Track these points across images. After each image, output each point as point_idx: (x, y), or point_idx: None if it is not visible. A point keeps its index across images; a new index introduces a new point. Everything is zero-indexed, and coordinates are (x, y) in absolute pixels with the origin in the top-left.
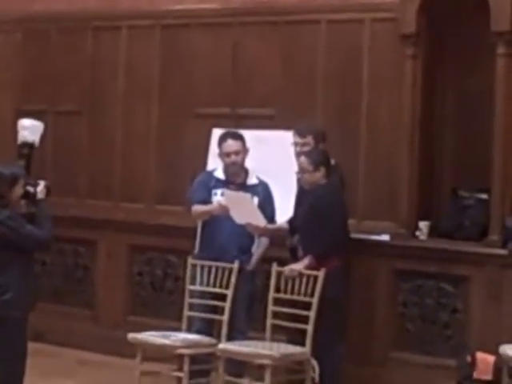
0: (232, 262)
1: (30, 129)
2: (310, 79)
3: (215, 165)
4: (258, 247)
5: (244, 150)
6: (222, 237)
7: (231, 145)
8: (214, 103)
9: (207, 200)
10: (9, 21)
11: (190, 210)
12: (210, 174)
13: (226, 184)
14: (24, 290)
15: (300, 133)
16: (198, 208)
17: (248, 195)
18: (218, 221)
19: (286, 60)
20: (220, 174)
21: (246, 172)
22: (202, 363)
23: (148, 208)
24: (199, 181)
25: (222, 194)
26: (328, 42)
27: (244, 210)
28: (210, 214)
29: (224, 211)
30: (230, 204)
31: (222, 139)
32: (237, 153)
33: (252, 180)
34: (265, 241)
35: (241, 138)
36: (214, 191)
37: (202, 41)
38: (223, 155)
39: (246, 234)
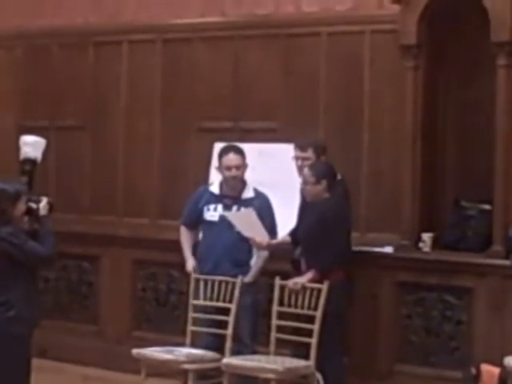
0: (226, 276)
1: (32, 145)
2: (311, 92)
3: (218, 179)
4: (258, 260)
5: (244, 165)
6: (217, 250)
7: (233, 159)
8: (216, 117)
9: (195, 221)
10: (10, 36)
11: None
12: (206, 189)
13: (219, 198)
14: (28, 307)
15: (300, 147)
16: (182, 238)
17: (252, 211)
18: (214, 234)
19: (288, 73)
20: (215, 188)
21: (243, 185)
22: (208, 378)
23: (151, 223)
24: (192, 199)
25: (215, 210)
26: (329, 55)
27: (249, 226)
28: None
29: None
30: (236, 223)
31: (224, 152)
32: (238, 167)
33: (248, 193)
34: (264, 253)
35: (242, 152)
36: (206, 207)
37: (204, 54)
38: (223, 168)
39: (241, 248)
